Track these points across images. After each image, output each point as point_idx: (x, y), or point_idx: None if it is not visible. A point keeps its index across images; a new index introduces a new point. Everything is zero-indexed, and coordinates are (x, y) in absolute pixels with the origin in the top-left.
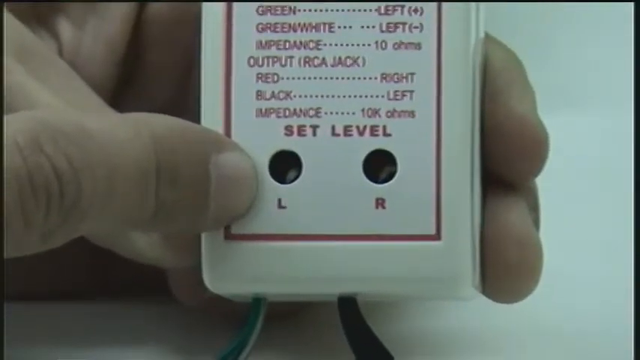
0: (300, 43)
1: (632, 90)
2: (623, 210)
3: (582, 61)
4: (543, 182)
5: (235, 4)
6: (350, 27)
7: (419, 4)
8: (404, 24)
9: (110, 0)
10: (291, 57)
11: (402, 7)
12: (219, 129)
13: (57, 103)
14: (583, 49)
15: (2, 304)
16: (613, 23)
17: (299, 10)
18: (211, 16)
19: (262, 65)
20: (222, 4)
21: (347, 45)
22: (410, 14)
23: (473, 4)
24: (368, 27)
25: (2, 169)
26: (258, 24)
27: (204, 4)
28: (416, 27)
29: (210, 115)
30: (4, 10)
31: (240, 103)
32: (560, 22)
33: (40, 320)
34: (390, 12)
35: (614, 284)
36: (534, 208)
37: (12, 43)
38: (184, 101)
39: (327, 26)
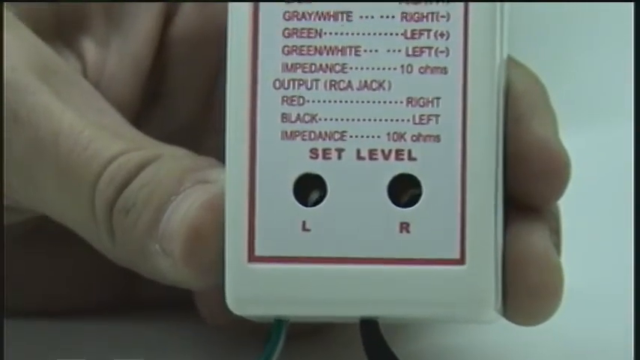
0: (326, 66)
1: (632, 93)
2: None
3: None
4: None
5: (262, 26)
6: (376, 51)
7: (445, 29)
8: (430, 48)
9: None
10: (317, 80)
11: (429, 30)
12: (245, 150)
13: (80, 124)
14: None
15: (2, 305)
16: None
17: (325, 33)
18: (237, 37)
19: (288, 88)
20: (249, 25)
21: (373, 69)
22: (436, 38)
23: (498, 27)
24: (394, 51)
25: (2, 165)
26: (284, 46)
27: (230, 25)
28: (442, 51)
29: (235, 137)
30: (21, 23)
31: (265, 125)
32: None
33: (64, 336)
34: (416, 36)
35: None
36: (556, 231)
37: (36, 63)
38: (208, 119)
39: (353, 50)
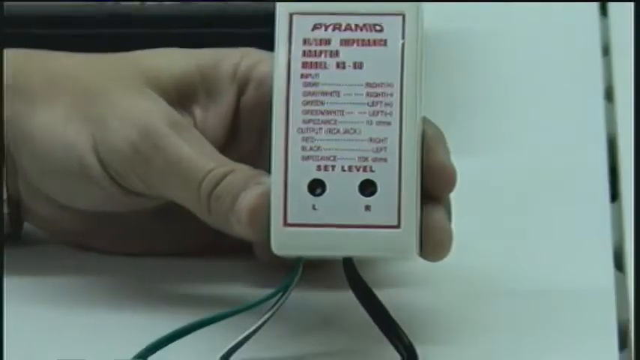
0: (326, 121)
1: (632, 90)
2: None
3: None
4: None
5: (292, 98)
6: (352, 112)
7: (390, 100)
8: (381, 111)
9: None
10: (320, 128)
11: (380, 102)
12: (281, 166)
13: (192, 153)
14: None
15: (2, 304)
16: None
17: (324, 103)
18: (277, 103)
19: (305, 133)
20: (284, 97)
21: (351, 122)
22: (384, 106)
23: (418, 99)
24: (362, 113)
25: (2, 174)
26: (303, 110)
27: (274, 96)
28: (388, 113)
29: (276, 159)
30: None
31: (292, 152)
32: None
33: (173, 269)
34: (374, 105)
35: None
36: (449, 212)
37: (166, 118)
38: (261, 149)
39: (340, 112)
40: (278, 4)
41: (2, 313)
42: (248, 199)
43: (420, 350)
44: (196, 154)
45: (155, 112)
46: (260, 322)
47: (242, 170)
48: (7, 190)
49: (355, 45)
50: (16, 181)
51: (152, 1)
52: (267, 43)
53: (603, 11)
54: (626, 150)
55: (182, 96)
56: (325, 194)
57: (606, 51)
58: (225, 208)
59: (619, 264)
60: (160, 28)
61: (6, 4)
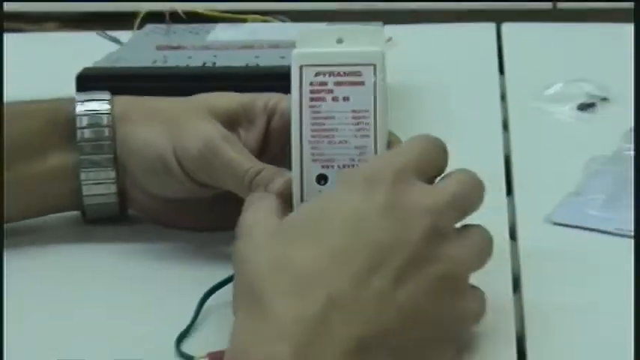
0: (327, 135)
1: (632, 90)
2: None
3: None
4: None
5: (303, 118)
6: (345, 130)
7: (368, 120)
8: (363, 128)
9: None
10: (323, 140)
11: (362, 122)
12: (298, 166)
13: (237, 156)
14: None
15: (2, 303)
16: None
17: (325, 123)
18: (294, 123)
19: (313, 144)
20: (298, 118)
21: (343, 136)
22: (365, 124)
23: (387, 118)
24: (350, 130)
25: (2, 169)
26: (311, 129)
27: (292, 118)
28: (367, 129)
29: (295, 162)
30: None
31: (305, 157)
32: None
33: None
34: (357, 124)
35: None
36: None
37: (221, 134)
38: (283, 156)
39: (336, 128)
40: (292, 60)
41: (2, 313)
42: (275, 185)
43: None
44: (240, 157)
45: (213, 130)
46: None
47: (270, 168)
48: (118, 186)
49: (344, 85)
50: (125, 180)
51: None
52: (286, 89)
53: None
54: (515, 142)
55: (231, 121)
56: (327, 184)
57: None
58: (260, 191)
59: None
60: (218, 81)
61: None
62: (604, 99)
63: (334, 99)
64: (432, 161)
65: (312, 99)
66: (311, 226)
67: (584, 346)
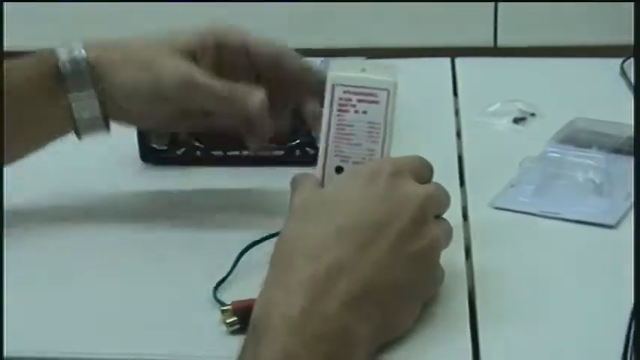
0: (345, 138)
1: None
2: None
3: None
4: None
5: (331, 122)
6: (360, 135)
7: (378, 130)
8: (374, 135)
9: None
10: (342, 142)
11: (373, 130)
12: (323, 159)
13: (215, 83)
14: None
15: (2, 302)
16: None
17: (345, 129)
18: (324, 132)
19: (336, 144)
20: (327, 120)
21: (358, 140)
22: (376, 133)
23: (392, 127)
24: (363, 135)
25: (2, 169)
26: (335, 133)
27: (322, 127)
28: (377, 136)
29: (321, 156)
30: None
31: (329, 153)
32: None
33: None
34: (370, 133)
35: None
36: None
37: (194, 68)
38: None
39: (352, 134)
40: (327, 79)
41: (2, 313)
42: (256, 97)
43: None
44: (214, 82)
45: (186, 66)
46: None
47: (241, 84)
48: (101, 110)
49: (364, 102)
50: (105, 104)
51: None
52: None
53: (452, 64)
54: (466, 147)
55: (191, 56)
56: (342, 174)
57: (455, 92)
58: (241, 98)
59: None
60: None
61: None
62: (532, 114)
63: (355, 112)
64: (421, 171)
65: (339, 110)
66: (325, 207)
67: (522, 296)
